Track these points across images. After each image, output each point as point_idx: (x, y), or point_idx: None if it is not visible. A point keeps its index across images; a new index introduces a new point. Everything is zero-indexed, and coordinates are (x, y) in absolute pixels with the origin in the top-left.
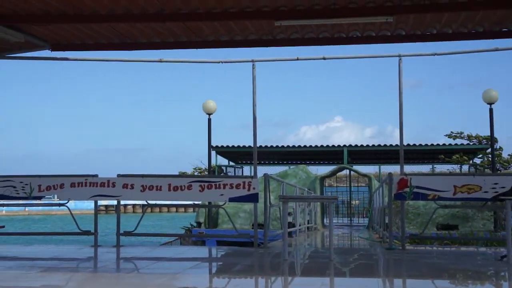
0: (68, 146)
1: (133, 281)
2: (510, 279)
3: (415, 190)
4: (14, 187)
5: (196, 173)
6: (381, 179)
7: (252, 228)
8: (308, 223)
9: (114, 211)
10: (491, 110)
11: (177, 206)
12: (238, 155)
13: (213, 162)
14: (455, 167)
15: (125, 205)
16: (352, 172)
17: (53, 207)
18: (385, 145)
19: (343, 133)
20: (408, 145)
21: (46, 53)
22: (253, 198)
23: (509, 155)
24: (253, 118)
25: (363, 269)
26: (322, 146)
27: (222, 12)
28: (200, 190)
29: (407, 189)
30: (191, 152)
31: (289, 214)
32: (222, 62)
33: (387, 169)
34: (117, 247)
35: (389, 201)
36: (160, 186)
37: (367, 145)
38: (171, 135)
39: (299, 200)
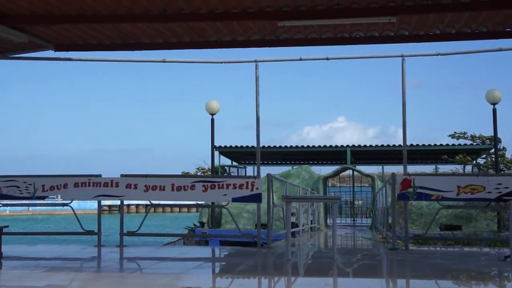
0: (70, 146)
1: (136, 281)
2: None
3: (419, 190)
4: (18, 187)
5: (199, 173)
6: (384, 179)
7: (255, 228)
8: (311, 223)
9: (117, 211)
10: (494, 110)
11: (180, 206)
12: (241, 155)
13: (216, 162)
14: (458, 168)
15: (128, 205)
16: (355, 172)
17: (57, 207)
18: (388, 145)
19: (346, 133)
20: (412, 145)
21: (50, 53)
22: (256, 198)
23: None
24: (256, 118)
25: (366, 270)
26: (325, 146)
27: (225, 13)
28: (203, 190)
29: (411, 189)
30: (194, 152)
31: (292, 214)
32: (225, 63)
33: (390, 169)
34: (121, 247)
35: (392, 201)
36: (164, 186)
37: (370, 145)
38: (174, 135)
39: (302, 200)
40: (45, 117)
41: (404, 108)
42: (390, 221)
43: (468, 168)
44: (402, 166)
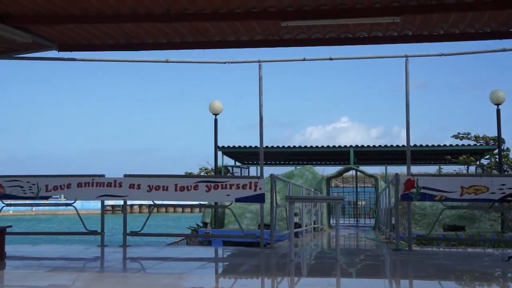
0: (73, 146)
1: (139, 281)
2: None
3: (422, 191)
4: (22, 187)
5: (202, 174)
6: (387, 180)
7: (258, 229)
8: (314, 224)
9: (120, 211)
10: (498, 111)
11: (183, 206)
12: (245, 155)
13: (219, 163)
14: (462, 168)
15: (132, 205)
16: (358, 173)
17: (60, 207)
18: (391, 146)
19: (350, 133)
20: (415, 145)
21: (53, 53)
22: (259, 198)
23: None
24: (260, 118)
25: (370, 270)
26: (328, 146)
27: (229, 13)
28: (206, 191)
29: (414, 190)
30: (197, 153)
31: (296, 214)
32: (228, 63)
33: (393, 169)
34: (124, 247)
35: (395, 201)
36: (167, 186)
37: (374, 146)
38: (177, 135)
39: (306, 200)
40: (47, 117)
41: (407, 108)
42: (393, 222)
43: (472, 168)
44: (406, 167)
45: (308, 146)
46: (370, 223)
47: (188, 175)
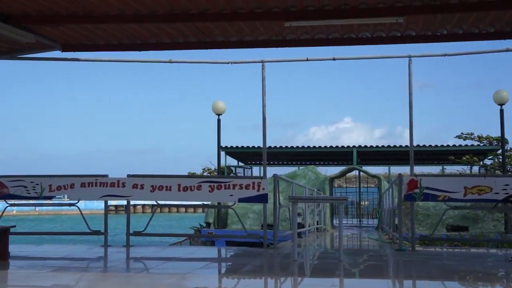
0: (77, 146)
1: (143, 281)
2: None
3: (425, 191)
4: (25, 187)
5: (205, 174)
6: (390, 180)
7: (261, 229)
8: (317, 224)
9: (123, 211)
10: (501, 111)
11: (186, 206)
12: (248, 155)
13: (222, 163)
14: (465, 168)
15: (135, 205)
16: (361, 173)
17: (64, 207)
18: (394, 146)
19: (353, 134)
20: (418, 146)
21: (57, 53)
22: (262, 198)
23: None
24: (263, 119)
25: (373, 270)
26: (331, 146)
27: (232, 13)
28: (209, 191)
29: (417, 190)
30: (200, 153)
31: (299, 214)
32: (232, 63)
33: (396, 170)
34: (127, 247)
35: (399, 202)
36: (170, 187)
37: (377, 146)
38: (180, 135)
39: (309, 200)
40: (50, 117)
41: (411, 108)
42: (396, 222)
43: (475, 169)
44: (409, 167)
45: (311, 146)
46: (373, 223)
47: (191, 175)
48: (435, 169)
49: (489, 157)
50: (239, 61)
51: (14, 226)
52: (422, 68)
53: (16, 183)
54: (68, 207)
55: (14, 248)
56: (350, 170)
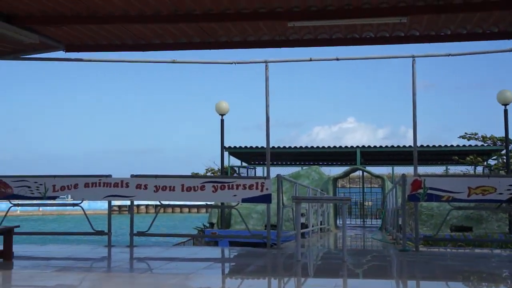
0: (80, 146)
1: (146, 281)
2: None
3: (429, 191)
4: (29, 187)
5: (208, 174)
6: (394, 180)
7: (265, 229)
8: (321, 224)
9: (127, 211)
10: (505, 111)
11: (189, 206)
12: (251, 155)
13: (225, 163)
14: (469, 169)
15: (138, 205)
16: (365, 173)
17: (67, 207)
18: (398, 146)
19: (356, 134)
20: (422, 146)
21: (61, 54)
22: (266, 198)
23: None
24: (266, 119)
25: (377, 271)
26: (335, 147)
27: (236, 13)
28: (213, 191)
29: (421, 191)
30: (203, 153)
31: (302, 215)
32: (235, 63)
33: (400, 170)
34: (131, 247)
35: (402, 202)
36: (174, 187)
37: (380, 146)
38: (183, 136)
39: (312, 201)
40: (53, 118)
41: (414, 109)
42: (400, 222)
43: (479, 169)
44: (412, 167)
45: (315, 146)
46: (377, 223)
47: (195, 176)
48: (438, 169)
49: (493, 157)
50: (243, 61)
51: (18, 226)
52: (425, 68)
53: (20, 183)
54: (71, 207)
55: (18, 248)
56: (354, 170)
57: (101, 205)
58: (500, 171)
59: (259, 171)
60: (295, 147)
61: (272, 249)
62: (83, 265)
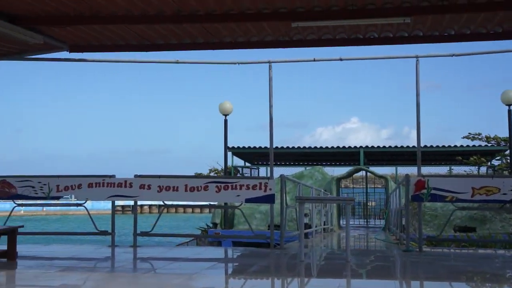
0: (84, 147)
1: (150, 281)
2: None
3: (433, 191)
4: (33, 187)
5: (212, 174)
6: (397, 181)
7: (268, 229)
8: (324, 225)
9: (130, 211)
10: (509, 111)
11: (193, 207)
12: (254, 156)
13: (229, 163)
14: (472, 169)
15: (141, 206)
16: (368, 174)
17: (71, 207)
18: (402, 147)
19: (359, 134)
20: (425, 146)
21: (65, 54)
22: (269, 199)
23: None
24: (270, 119)
25: (380, 271)
26: (338, 147)
27: (239, 14)
28: (216, 191)
29: (425, 191)
30: (207, 153)
31: (306, 215)
32: (239, 63)
33: (404, 170)
34: (134, 247)
35: (406, 202)
36: (177, 187)
37: (384, 146)
38: (187, 136)
39: (316, 201)
40: (57, 118)
41: (418, 109)
42: (403, 223)
43: (483, 169)
44: (416, 167)
45: (318, 146)
46: (380, 224)
47: (198, 176)
48: (442, 169)
49: (497, 158)
50: (246, 62)
51: (22, 226)
52: (429, 69)
53: (24, 183)
54: (75, 207)
55: (22, 248)
56: (357, 171)
57: (105, 205)
58: (504, 172)
59: (263, 171)
60: (299, 148)
61: (275, 249)
62: (87, 265)
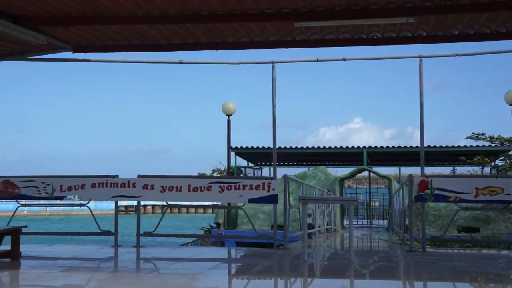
0: (87, 147)
1: (153, 281)
2: None
3: (436, 192)
4: (36, 187)
5: (215, 174)
6: (401, 181)
7: (271, 229)
8: (327, 225)
9: (133, 212)
10: None
11: (196, 207)
12: (257, 156)
13: (232, 163)
14: (476, 169)
15: (145, 206)
16: (371, 174)
17: (74, 207)
18: (405, 147)
19: (363, 134)
20: (429, 146)
21: (68, 54)
22: (272, 199)
23: None
24: (273, 119)
25: (383, 271)
26: (341, 147)
27: (242, 14)
28: (219, 191)
29: (428, 191)
30: (210, 154)
31: (309, 215)
32: (242, 64)
33: (407, 170)
34: (137, 247)
35: (409, 202)
36: (180, 187)
37: (387, 147)
38: (190, 136)
39: (319, 201)
40: (60, 118)
41: (421, 109)
42: (407, 223)
43: (487, 169)
44: (419, 168)
45: (321, 147)
46: (383, 224)
47: (202, 176)
48: (446, 170)
49: (500, 158)
50: (249, 62)
51: (26, 226)
52: (433, 69)
53: (27, 184)
54: (78, 207)
55: (25, 248)
56: (360, 171)
57: (108, 205)
58: (508, 172)
59: (266, 171)
60: (302, 148)
61: (278, 249)
62: (90, 265)
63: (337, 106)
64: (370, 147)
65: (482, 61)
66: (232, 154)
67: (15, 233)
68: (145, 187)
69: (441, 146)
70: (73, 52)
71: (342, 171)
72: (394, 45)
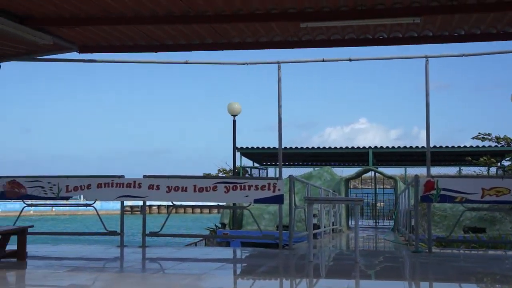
0: (93, 147)
1: (159, 281)
2: None
3: (442, 192)
4: (43, 187)
5: (220, 175)
6: (407, 181)
7: (277, 230)
8: (333, 225)
9: (139, 212)
10: None
11: (201, 207)
12: (263, 156)
13: (237, 164)
14: (482, 170)
15: (150, 206)
16: (377, 174)
17: (80, 208)
18: (411, 147)
19: (368, 134)
20: (435, 147)
21: (74, 55)
22: (278, 199)
23: None
24: (278, 120)
25: (389, 272)
26: (347, 147)
27: (248, 14)
28: (225, 192)
29: (434, 192)
30: (215, 154)
31: (314, 215)
32: (247, 64)
33: (413, 171)
34: (143, 247)
35: (415, 203)
36: (186, 187)
37: (393, 147)
38: (196, 136)
39: (324, 201)
40: (65, 118)
41: (427, 109)
42: (413, 223)
43: (493, 170)
44: (425, 168)
45: (327, 147)
46: (389, 224)
47: (207, 176)
48: (452, 170)
49: (507, 158)
50: (255, 62)
51: (32, 226)
52: (439, 69)
53: (34, 184)
54: (84, 207)
55: (31, 248)
56: (366, 171)
57: (113, 206)
58: None
59: (271, 171)
60: (307, 148)
61: (284, 250)
62: (96, 265)
63: (342, 106)
64: (375, 147)
65: (489, 61)
66: (238, 154)
67: (22, 233)
68: (150, 187)
69: (447, 147)
70: (79, 53)
71: (348, 171)
72: (400, 45)
